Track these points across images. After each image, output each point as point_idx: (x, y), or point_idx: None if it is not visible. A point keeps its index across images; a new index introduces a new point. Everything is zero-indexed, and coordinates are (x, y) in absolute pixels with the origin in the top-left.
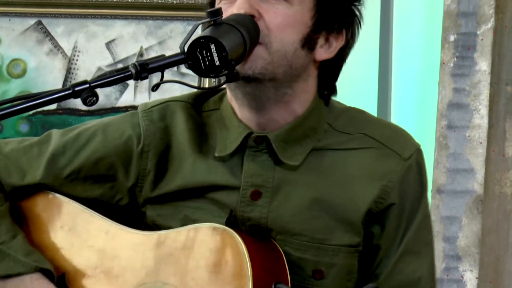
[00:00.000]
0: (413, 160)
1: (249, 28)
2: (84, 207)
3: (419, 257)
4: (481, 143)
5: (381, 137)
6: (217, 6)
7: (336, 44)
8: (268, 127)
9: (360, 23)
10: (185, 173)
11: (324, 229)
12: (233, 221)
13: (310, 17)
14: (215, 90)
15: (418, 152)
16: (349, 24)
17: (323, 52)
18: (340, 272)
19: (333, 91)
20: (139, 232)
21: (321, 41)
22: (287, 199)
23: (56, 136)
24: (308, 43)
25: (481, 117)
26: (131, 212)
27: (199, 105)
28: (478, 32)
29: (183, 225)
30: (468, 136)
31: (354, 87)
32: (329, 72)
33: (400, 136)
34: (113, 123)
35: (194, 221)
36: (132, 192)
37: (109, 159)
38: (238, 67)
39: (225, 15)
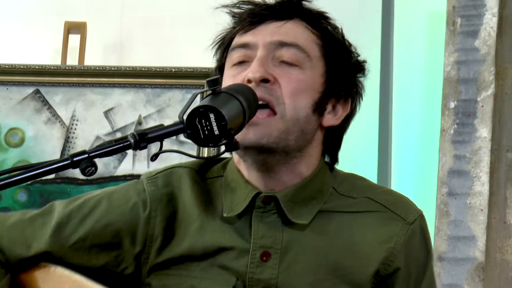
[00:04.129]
0: (417, 225)
1: (248, 97)
2: (87, 279)
3: None
4: (482, 210)
5: (385, 202)
6: (227, 71)
7: (342, 112)
8: (276, 188)
9: (362, 94)
10: (192, 235)
11: None
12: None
13: (321, 84)
14: (219, 159)
15: (421, 217)
16: (354, 93)
17: (330, 118)
18: None
19: (336, 159)
20: None
21: (329, 107)
22: (296, 261)
23: (59, 206)
24: (319, 108)
25: (481, 184)
26: (135, 285)
27: (203, 172)
28: (478, 99)
29: None
30: (469, 203)
31: (354, 154)
32: (333, 137)
33: (403, 201)
34: (118, 191)
35: None
36: (138, 260)
37: (115, 225)
38: (250, 135)
39: (236, 80)
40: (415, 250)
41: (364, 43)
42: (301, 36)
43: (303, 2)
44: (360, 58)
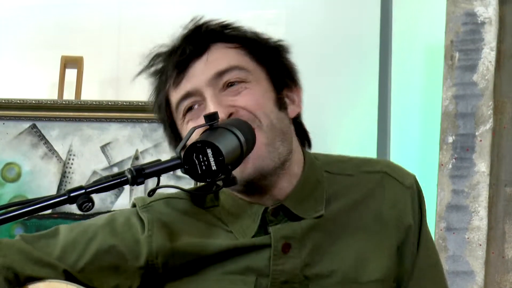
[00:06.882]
0: (414, 188)
1: (245, 132)
2: None
3: (437, 273)
4: (480, 245)
5: (382, 168)
6: (181, 121)
7: (297, 96)
8: (278, 196)
9: (297, 69)
10: (205, 240)
11: (356, 265)
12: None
13: (269, 83)
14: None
15: (416, 180)
16: (294, 73)
17: (293, 108)
18: None
19: (310, 143)
20: None
21: (287, 100)
22: (315, 245)
23: (65, 231)
24: (279, 103)
25: (480, 219)
26: None
27: (198, 203)
28: (476, 133)
29: None
30: (468, 238)
31: None
32: (299, 124)
33: (396, 167)
34: (119, 215)
35: None
36: (143, 275)
37: (119, 248)
38: (248, 169)
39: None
40: (415, 211)
41: (362, 77)
42: (228, 57)
43: (208, 26)
44: (273, 38)
